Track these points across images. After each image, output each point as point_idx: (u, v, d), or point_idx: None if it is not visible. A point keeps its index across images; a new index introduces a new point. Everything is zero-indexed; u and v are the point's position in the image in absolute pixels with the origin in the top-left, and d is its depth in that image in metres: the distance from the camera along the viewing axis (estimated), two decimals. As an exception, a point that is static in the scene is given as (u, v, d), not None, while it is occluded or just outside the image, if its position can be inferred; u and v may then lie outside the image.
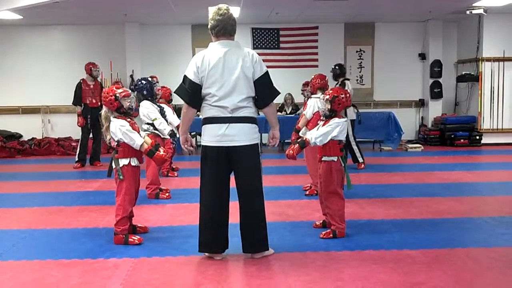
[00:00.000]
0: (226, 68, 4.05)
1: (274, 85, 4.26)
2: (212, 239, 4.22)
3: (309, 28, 12.88)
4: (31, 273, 4.01)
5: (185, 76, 4.17)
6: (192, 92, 4.13)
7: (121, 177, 4.61)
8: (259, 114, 4.35)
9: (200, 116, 4.28)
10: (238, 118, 4.08)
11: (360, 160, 8.94)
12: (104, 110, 4.70)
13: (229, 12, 4.20)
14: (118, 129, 4.57)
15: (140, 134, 4.72)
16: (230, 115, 4.07)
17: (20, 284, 3.78)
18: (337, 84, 8.92)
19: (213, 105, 4.10)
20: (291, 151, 4.72)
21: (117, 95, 4.63)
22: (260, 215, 4.20)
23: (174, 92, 4.35)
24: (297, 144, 4.72)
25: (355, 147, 8.89)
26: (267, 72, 4.15)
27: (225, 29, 4.16)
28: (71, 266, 4.13)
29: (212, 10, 4.25)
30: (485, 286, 3.71)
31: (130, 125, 4.64)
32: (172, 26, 12.69)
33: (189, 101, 4.18)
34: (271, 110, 4.28)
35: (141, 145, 4.61)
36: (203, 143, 4.22)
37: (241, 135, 4.10)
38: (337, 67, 9.18)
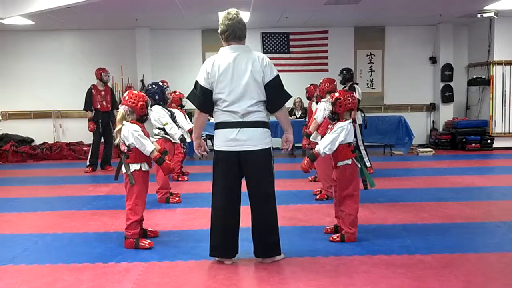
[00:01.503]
0: (235, 73, 4.05)
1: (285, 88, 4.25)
2: (223, 244, 4.23)
3: (319, 32, 12.88)
4: (42, 277, 4.03)
5: (196, 82, 4.19)
6: (203, 98, 4.14)
7: (133, 182, 4.62)
8: (269, 119, 4.33)
9: (212, 121, 4.29)
10: (249, 123, 4.08)
11: (368, 164, 8.92)
12: (123, 111, 4.68)
13: (238, 17, 4.20)
14: (131, 133, 4.59)
15: (150, 139, 4.74)
16: (241, 119, 4.08)
17: (31, 288, 3.81)
18: (344, 87, 8.89)
19: (224, 110, 4.11)
20: (303, 166, 4.75)
21: (148, 102, 4.73)
22: (272, 220, 4.19)
23: (186, 98, 4.38)
24: (308, 159, 4.72)
25: (363, 152, 8.86)
26: (278, 76, 4.13)
27: (234, 33, 4.16)
28: (82, 270, 4.15)
29: (222, 15, 4.26)
30: (498, 292, 3.69)
31: (142, 129, 4.67)
32: (183, 30, 12.75)
33: (200, 106, 4.20)
34: (283, 114, 4.25)
35: (152, 152, 4.63)
36: (215, 148, 4.23)
37: (253, 140, 4.09)
38: (345, 71, 9.14)
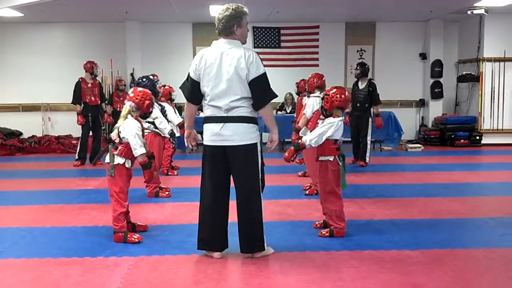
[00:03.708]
0: (220, 68, 4.05)
1: (275, 84, 4.24)
2: (210, 238, 4.24)
3: (310, 27, 12.87)
4: (31, 271, 4.00)
5: (188, 73, 4.24)
6: (192, 89, 4.19)
7: (112, 174, 4.61)
8: (257, 114, 4.30)
9: (201, 115, 4.29)
10: (234, 118, 4.08)
11: (367, 160, 9.12)
12: (129, 107, 4.67)
13: (228, 12, 4.13)
14: (132, 128, 4.59)
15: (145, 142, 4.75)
16: (225, 114, 4.08)
17: (20, 282, 3.78)
18: (357, 83, 9.22)
19: (209, 104, 4.14)
20: (286, 154, 4.77)
21: (153, 101, 4.79)
22: (256, 216, 4.18)
23: (179, 88, 4.40)
24: (292, 147, 4.72)
25: (369, 146, 9.21)
26: (263, 74, 4.09)
27: (219, 29, 4.16)
28: (71, 264, 4.13)
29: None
30: (486, 287, 3.72)
31: (141, 128, 4.70)
32: (173, 24, 12.69)
33: (188, 97, 4.26)
34: (266, 112, 4.19)
35: (140, 155, 4.61)
36: (203, 142, 4.24)
37: (237, 135, 4.09)
38: (362, 67, 9.30)
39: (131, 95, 4.74)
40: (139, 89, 4.83)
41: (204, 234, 4.24)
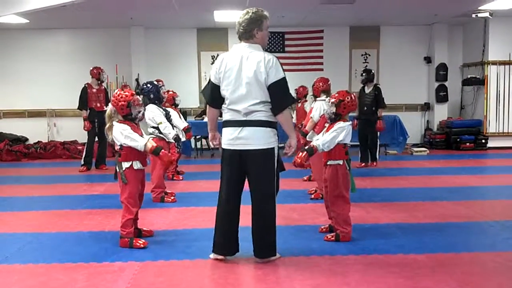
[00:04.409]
0: (240, 71, 4.07)
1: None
2: (222, 241, 4.26)
3: (314, 32, 12.88)
4: (37, 276, 4.01)
5: (209, 77, 4.29)
6: (212, 92, 4.22)
7: (125, 181, 4.61)
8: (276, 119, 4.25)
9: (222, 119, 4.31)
10: (252, 122, 4.08)
11: (377, 159, 9.71)
12: (110, 109, 4.69)
13: (248, 16, 4.17)
14: (119, 133, 4.58)
15: (143, 137, 4.72)
16: (244, 118, 4.09)
17: (26, 287, 3.80)
18: (364, 88, 9.66)
19: (228, 108, 4.15)
20: (298, 160, 4.63)
21: (130, 103, 4.66)
22: (269, 221, 4.18)
23: (201, 92, 4.44)
24: (305, 152, 4.67)
25: (378, 146, 9.79)
26: (283, 78, 4.09)
27: (240, 33, 4.20)
28: (76, 269, 4.14)
29: None
30: (491, 291, 3.71)
31: (132, 128, 4.64)
32: (178, 30, 12.71)
33: (209, 101, 4.31)
34: (284, 117, 4.17)
35: (145, 145, 4.59)
36: (222, 146, 4.27)
37: (255, 139, 4.09)
38: (366, 73, 9.77)
39: (113, 97, 4.73)
40: (122, 91, 4.77)
41: (216, 237, 4.28)
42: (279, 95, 4.10)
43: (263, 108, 4.09)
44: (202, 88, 4.44)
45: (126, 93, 4.72)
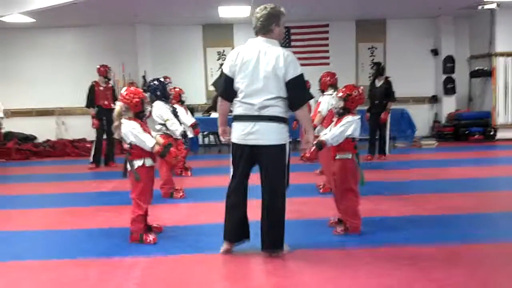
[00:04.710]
0: (257, 65, 4.05)
1: None
2: (231, 229, 4.29)
3: (320, 26, 12.85)
4: (48, 272, 4.04)
5: (221, 70, 4.28)
6: (225, 85, 4.21)
7: (138, 178, 4.62)
8: (288, 115, 4.26)
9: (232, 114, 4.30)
10: (265, 117, 4.06)
11: (387, 152, 9.82)
12: (119, 107, 4.65)
13: (266, 11, 4.18)
14: (129, 131, 4.58)
15: (151, 135, 4.73)
16: (257, 113, 4.07)
17: (38, 284, 3.83)
18: (374, 81, 9.83)
19: (242, 101, 4.13)
20: (307, 154, 4.61)
21: (144, 99, 4.68)
22: (278, 215, 4.18)
23: (211, 84, 4.44)
24: (314, 146, 4.67)
25: (388, 139, 9.94)
26: (301, 75, 4.08)
27: (257, 27, 4.19)
28: (88, 265, 4.16)
29: None
30: (501, 282, 3.68)
31: (141, 126, 4.65)
32: (183, 26, 12.72)
33: (222, 93, 4.30)
34: (303, 114, 4.18)
35: (153, 147, 4.62)
36: (232, 140, 4.26)
37: (267, 135, 4.08)
38: (382, 66, 10.03)
39: (123, 94, 4.71)
40: (131, 88, 4.79)
41: (226, 226, 4.31)
42: (297, 91, 4.09)
43: (278, 103, 4.08)
44: (214, 80, 4.40)
45: (138, 90, 4.74)
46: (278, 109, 4.09)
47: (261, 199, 4.21)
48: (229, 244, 4.31)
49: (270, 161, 4.12)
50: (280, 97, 4.07)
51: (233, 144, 4.24)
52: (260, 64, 4.05)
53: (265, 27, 4.15)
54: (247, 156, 4.16)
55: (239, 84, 4.12)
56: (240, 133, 4.15)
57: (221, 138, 4.48)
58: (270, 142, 4.08)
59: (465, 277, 3.68)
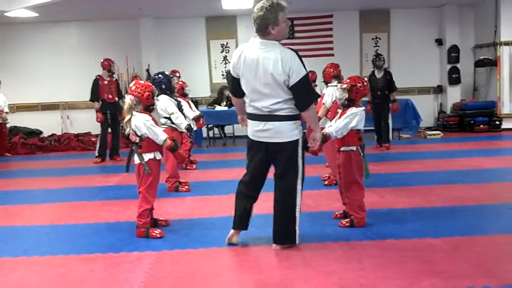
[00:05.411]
0: (257, 72, 3.99)
1: None
2: (234, 216, 4.35)
3: (324, 17, 12.78)
4: (55, 268, 4.07)
5: (229, 68, 4.31)
6: (233, 84, 4.23)
7: (148, 171, 4.63)
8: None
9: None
10: (276, 116, 4.05)
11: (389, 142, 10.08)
12: (130, 101, 4.62)
13: (261, 12, 3.98)
14: (142, 123, 4.59)
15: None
16: (267, 113, 4.07)
17: (45, 279, 3.85)
18: (374, 73, 9.92)
19: (249, 104, 4.16)
20: (315, 147, 4.60)
21: (154, 93, 4.71)
22: (290, 211, 4.19)
23: (226, 77, 4.45)
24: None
25: (391, 128, 10.31)
26: (304, 77, 3.96)
27: (256, 28, 4.06)
28: (94, 260, 4.19)
29: None
30: (508, 274, 3.66)
31: (152, 119, 4.68)
32: (186, 19, 12.67)
33: (231, 91, 4.38)
34: (309, 114, 4.13)
35: (165, 140, 4.64)
36: (248, 134, 4.30)
37: (280, 133, 4.08)
38: (382, 58, 10.05)
39: (132, 88, 4.71)
40: (140, 82, 4.80)
41: (235, 214, 4.35)
42: (302, 94, 4.02)
43: (285, 106, 4.04)
44: (226, 71, 4.38)
45: (147, 83, 4.77)
46: (288, 110, 4.06)
47: (274, 194, 4.24)
48: (234, 232, 4.36)
49: (282, 157, 4.13)
50: (286, 100, 4.03)
51: (248, 138, 4.28)
52: (260, 71, 3.97)
53: (261, 30, 4.01)
54: (262, 151, 4.17)
55: (244, 88, 4.13)
56: (254, 129, 4.17)
57: (241, 125, 4.49)
58: (282, 140, 4.09)
59: (471, 269, 3.68)
